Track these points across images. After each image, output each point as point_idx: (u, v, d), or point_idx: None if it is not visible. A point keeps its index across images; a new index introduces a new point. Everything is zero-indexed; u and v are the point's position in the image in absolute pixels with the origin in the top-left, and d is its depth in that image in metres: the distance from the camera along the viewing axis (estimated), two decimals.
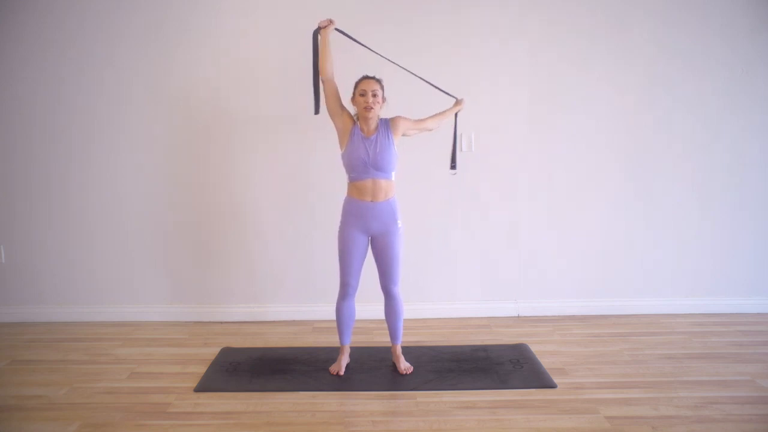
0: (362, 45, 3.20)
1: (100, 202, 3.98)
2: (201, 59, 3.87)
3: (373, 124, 3.04)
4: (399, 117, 3.11)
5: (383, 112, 3.11)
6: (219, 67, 3.88)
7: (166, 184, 3.97)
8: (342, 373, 3.12)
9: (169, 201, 3.98)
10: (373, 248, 3.12)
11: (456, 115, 3.34)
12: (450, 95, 3.37)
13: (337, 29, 3.10)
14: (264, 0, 3.85)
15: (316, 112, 3.16)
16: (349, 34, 3.16)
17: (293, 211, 3.91)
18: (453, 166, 3.38)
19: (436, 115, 3.25)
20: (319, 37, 3.05)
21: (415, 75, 3.30)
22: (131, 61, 3.87)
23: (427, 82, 3.33)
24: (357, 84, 3.06)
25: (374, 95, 2.99)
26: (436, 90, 3.36)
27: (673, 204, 4.02)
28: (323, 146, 3.81)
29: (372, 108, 2.99)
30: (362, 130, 3.04)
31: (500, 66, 3.91)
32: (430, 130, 3.25)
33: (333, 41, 3.05)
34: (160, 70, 3.88)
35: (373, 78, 3.06)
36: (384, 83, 3.09)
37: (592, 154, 3.98)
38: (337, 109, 3.06)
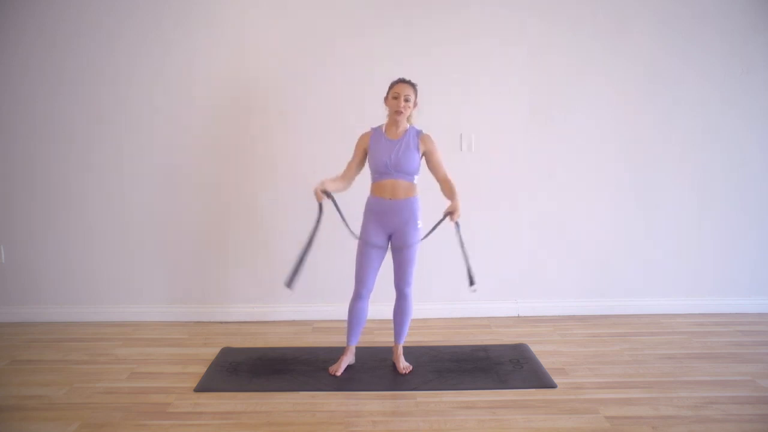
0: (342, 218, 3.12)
1: (100, 202, 3.98)
2: (201, 58, 3.87)
3: (401, 127, 3.06)
4: (430, 138, 3.08)
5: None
6: (219, 65, 3.87)
7: (166, 184, 3.97)
8: (339, 373, 3.12)
9: (169, 201, 3.98)
10: (392, 246, 3.13)
11: (459, 234, 3.02)
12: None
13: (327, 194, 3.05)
14: None
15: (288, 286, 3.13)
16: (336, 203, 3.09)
17: (294, 210, 3.90)
18: (471, 283, 2.99)
19: (448, 180, 3.07)
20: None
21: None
22: (131, 61, 3.86)
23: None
24: (392, 86, 3.06)
25: (406, 100, 3.00)
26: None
27: (673, 204, 4.02)
28: (325, 146, 3.82)
29: (402, 112, 3.01)
30: (387, 132, 3.07)
31: (500, 66, 3.90)
32: (435, 176, 3.11)
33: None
34: (161, 68, 3.87)
35: (408, 82, 3.05)
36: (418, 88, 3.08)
37: (592, 154, 3.98)
38: (361, 158, 3.13)
